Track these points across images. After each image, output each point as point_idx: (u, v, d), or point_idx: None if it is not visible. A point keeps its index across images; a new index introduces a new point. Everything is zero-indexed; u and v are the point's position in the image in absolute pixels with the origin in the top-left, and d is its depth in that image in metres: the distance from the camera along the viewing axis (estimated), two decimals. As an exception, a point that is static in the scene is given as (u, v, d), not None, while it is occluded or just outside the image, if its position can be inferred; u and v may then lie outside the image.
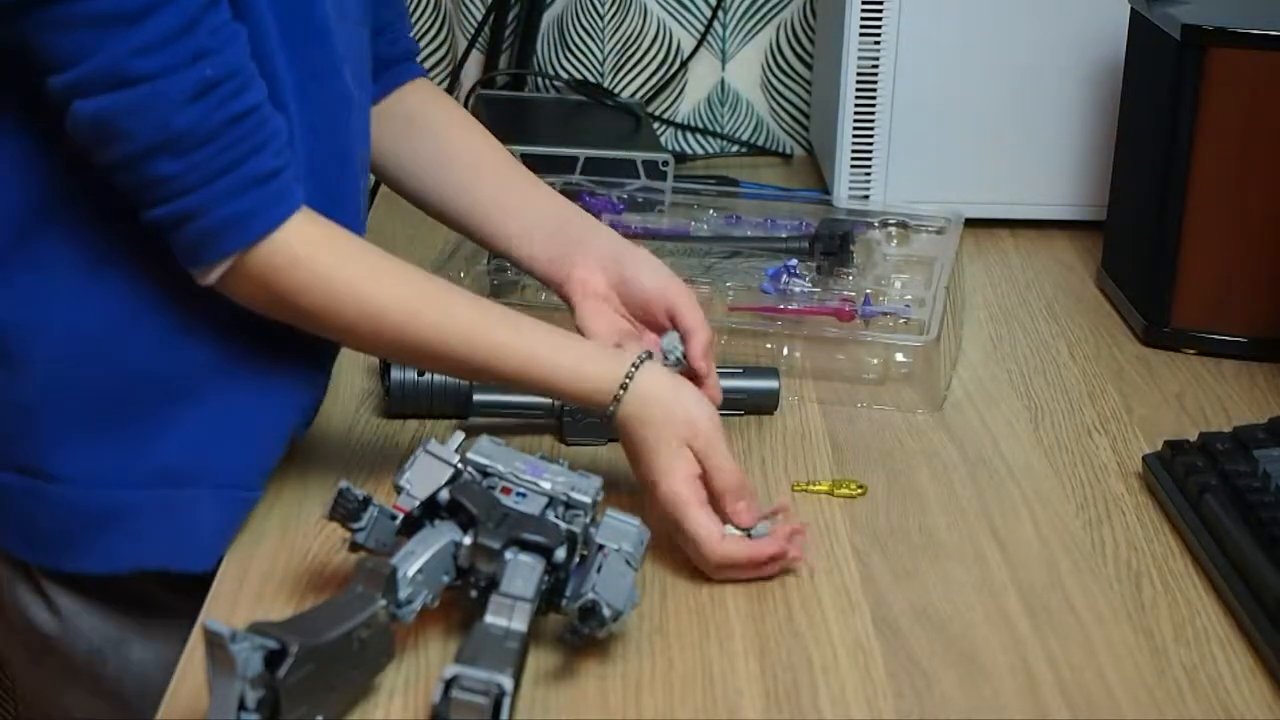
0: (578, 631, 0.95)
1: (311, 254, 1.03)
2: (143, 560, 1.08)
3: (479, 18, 1.92)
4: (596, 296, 1.21)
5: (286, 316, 1.06)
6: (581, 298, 1.22)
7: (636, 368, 1.08)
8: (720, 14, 1.93)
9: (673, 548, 1.10)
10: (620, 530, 1.01)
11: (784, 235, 1.55)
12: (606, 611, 0.94)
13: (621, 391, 1.07)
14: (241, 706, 0.84)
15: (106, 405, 1.05)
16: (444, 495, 0.99)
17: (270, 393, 1.10)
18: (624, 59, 1.94)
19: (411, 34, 1.34)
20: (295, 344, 1.10)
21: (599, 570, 0.96)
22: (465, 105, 1.91)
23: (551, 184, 1.59)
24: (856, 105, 1.70)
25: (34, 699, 1.21)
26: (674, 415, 1.08)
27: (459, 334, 1.06)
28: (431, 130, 1.27)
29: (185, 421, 1.07)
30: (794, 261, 1.46)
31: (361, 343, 1.11)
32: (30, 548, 1.09)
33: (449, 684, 0.86)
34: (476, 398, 1.23)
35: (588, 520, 1.00)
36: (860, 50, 1.68)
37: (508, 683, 0.85)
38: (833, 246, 1.48)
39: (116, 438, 1.06)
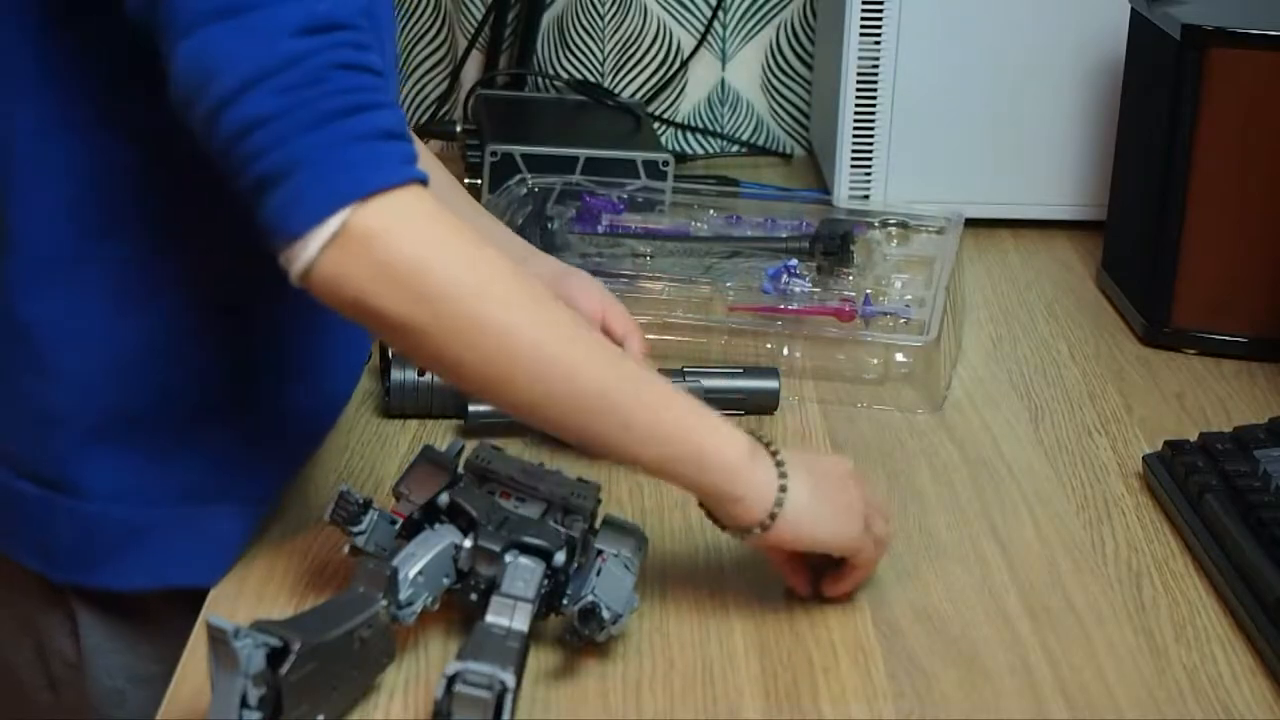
0: (578, 633, 0.95)
1: (433, 229, 0.89)
2: (164, 577, 1.07)
3: (479, 17, 1.92)
4: None
5: (383, 306, 0.89)
6: None
7: (783, 476, 0.98)
8: (720, 14, 1.93)
9: (674, 547, 1.10)
10: (619, 535, 1.01)
11: (784, 235, 1.55)
12: (606, 614, 0.94)
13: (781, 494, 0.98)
14: (243, 704, 0.84)
15: (134, 422, 1.05)
16: (444, 499, 0.99)
17: (295, 412, 1.10)
18: (624, 59, 1.94)
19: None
20: (322, 363, 1.10)
21: (598, 574, 0.97)
22: (465, 105, 1.92)
23: (551, 184, 1.61)
24: (856, 105, 1.70)
25: None
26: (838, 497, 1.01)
27: (594, 370, 0.94)
28: None
29: (211, 440, 1.06)
30: (794, 261, 1.47)
31: (459, 358, 0.92)
32: (47, 561, 1.08)
33: (451, 680, 0.86)
34: (472, 408, 1.23)
35: (586, 525, 1.00)
36: (860, 50, 1.68)
37: (510, 679, 0.85)
38: (833, 246, 1.49)
39: (142, 455, 1.05)
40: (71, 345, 1.03)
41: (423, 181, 0.90)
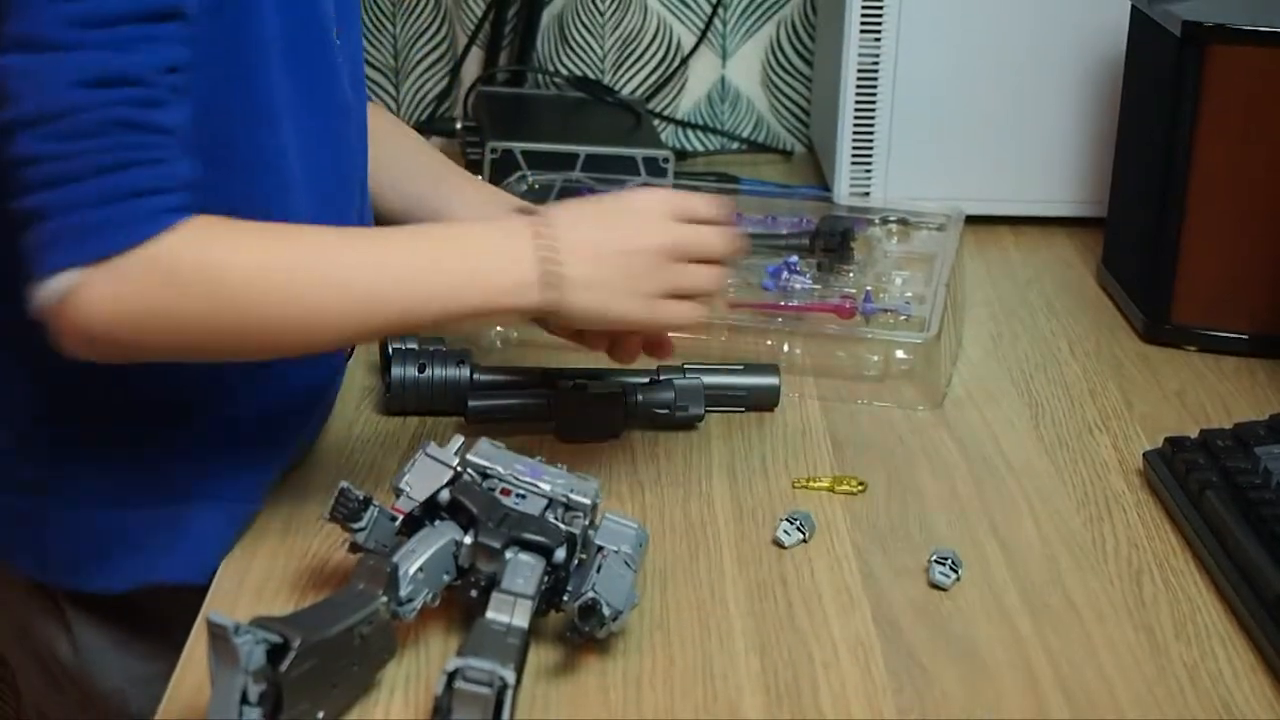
0: (578, 630, 0.95)
1: (167, 265, 0.93)
2: (151, 576, 1.07)
3: (479, 14, 1.92)
4: None
5: (132, 352, 0.96)
6: None
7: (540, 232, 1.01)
8: (720, 11, 1.93)
9: (673, 545, 1.10)
10: (619, 532, 1.01)
11: (784, 232, 1.55)
12: (606, 611, 0.94)
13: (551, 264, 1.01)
14: (244, 700, 0.84)
15: (110, 423, 1.05)
16: (444, 496, 0.99)
17: (275, 409, 1.09)
18: (624, 56, 1.94)
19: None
20: (302, 360, 1.10)
21: (599, 571, 0.97)
22: (465, 102, 1.92)
23: (552, 181, 1.61)
24: (857, 102, 1.70)
25: (52, 718, 1.20)
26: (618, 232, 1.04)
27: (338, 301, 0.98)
28: (376, 139, 1.24)
29: (190, 438, 1.06)
30: (794, 258, 1.46)
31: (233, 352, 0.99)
32: (43, 568, 1.08)
33: (452, 676, 0.85)
34: (472, 403, 1.23)
35: (587, 522, 1.00)
36: (861, 47, 1.68)
37: (510, 675, 0.85)
38: (833, 243, 1.48)
39: (122, 457, 1.05)
40: (37, 349, 1.01)
41: (157, 229, 0.91)
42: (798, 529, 1.10)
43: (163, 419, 1.06)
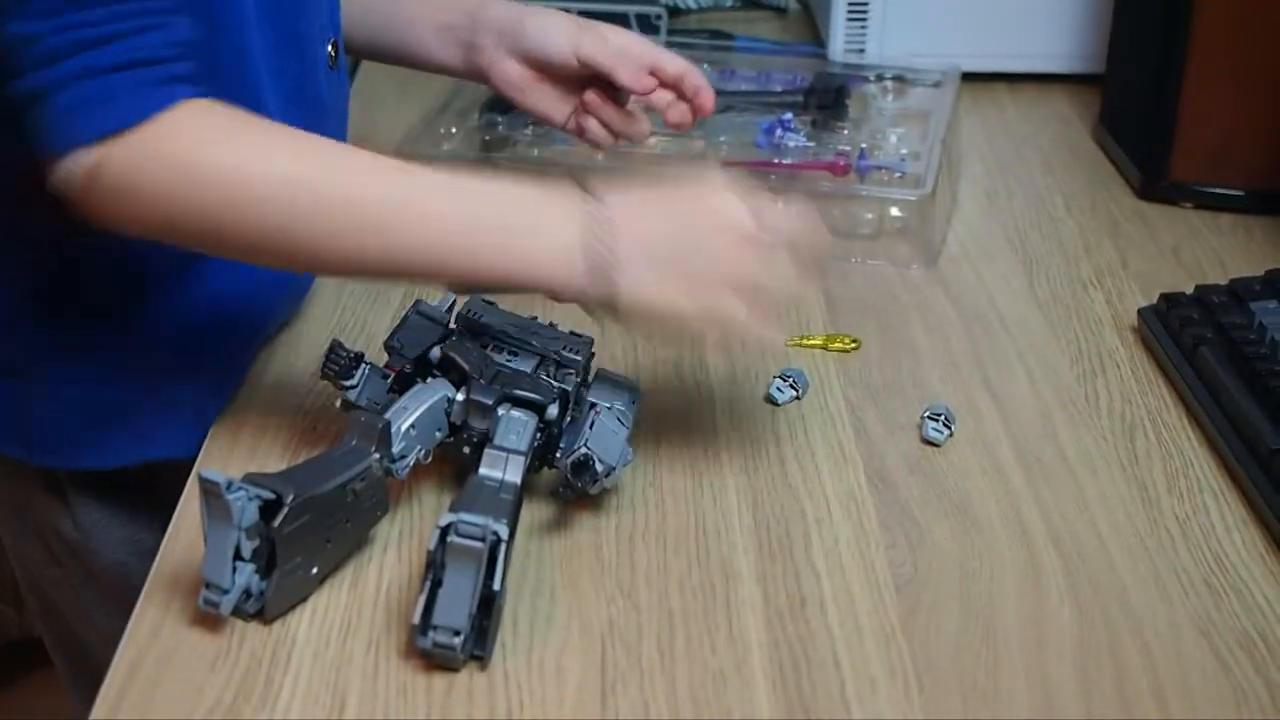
0: (571, 486, 0.95)
1: (187, 149, 0.88)
2: (141, 453, 1.07)
3: None
4: (523, 83, 1.18)
5: (155, 232, 0.92)
6: (513, 93, 1.18)
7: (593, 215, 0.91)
8: None
9: (668, 401, 1.10)
10: (612, 389, 1.01)
11: (778, 89, 1.53)
12: (599, 466, 0.94)
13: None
14: (237, 556, 0.85)
15: (84, 300, 1.04)
16: (435, 353, 0.99)
17: (254, 278, 1.08)
18: (616, -90, 1.90)
19: None
20: None
21: (591, 427, 0.96)
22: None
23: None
24: (852, -44, 1.68)
25: (49, 593, 1.21)
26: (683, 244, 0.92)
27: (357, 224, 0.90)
28: None
29: (167, 310, 1.06)
30: (788, 115, 1.45)
31: (241, 248, 0.92)
32: (27, 447, 1.08)
33: (445, 531, 0.86)
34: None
35: (579, 379, 1.00)
36: (857, -100, 1.66)
37: (503, 530, 0.85)
38: (827, 100, 1.47)
39: (98, 332, 1.05)
40: (17, 232, 1.01)
41: (170, 100, 0.87)
42: (791, 386, 1.10)
43: (137, 292, 1.05)
